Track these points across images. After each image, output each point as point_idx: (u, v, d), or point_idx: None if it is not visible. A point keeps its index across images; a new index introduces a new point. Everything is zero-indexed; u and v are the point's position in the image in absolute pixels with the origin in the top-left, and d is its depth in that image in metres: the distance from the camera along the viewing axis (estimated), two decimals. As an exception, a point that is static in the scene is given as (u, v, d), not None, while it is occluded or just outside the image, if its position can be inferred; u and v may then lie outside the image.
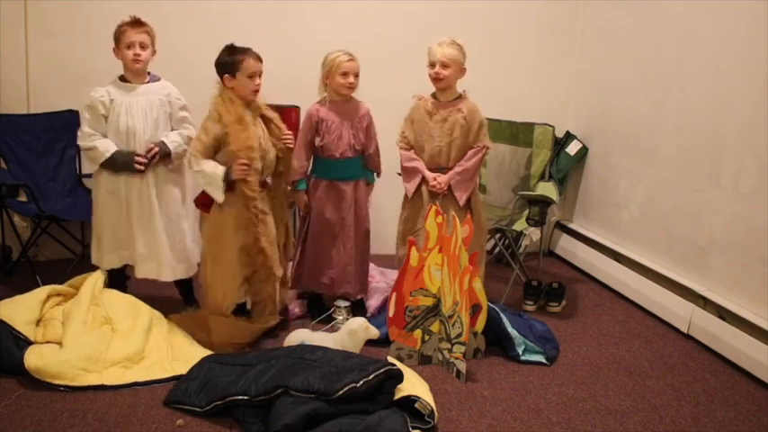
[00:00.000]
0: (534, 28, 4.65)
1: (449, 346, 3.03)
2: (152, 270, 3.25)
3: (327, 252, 3.40)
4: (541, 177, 4.34)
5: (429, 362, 3.10)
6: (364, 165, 3.46)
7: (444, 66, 3.26)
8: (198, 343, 3.07)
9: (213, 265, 3.08)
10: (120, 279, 3.36)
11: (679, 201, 3.75)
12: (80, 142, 3.18)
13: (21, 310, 2.96)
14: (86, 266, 3.35)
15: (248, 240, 3.02)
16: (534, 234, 4.01)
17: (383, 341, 3.11)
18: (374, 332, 2.96)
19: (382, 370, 2.50)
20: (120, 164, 3.13)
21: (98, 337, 2.89)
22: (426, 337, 3.10)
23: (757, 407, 2.84)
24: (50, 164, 3.99)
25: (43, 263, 4.05)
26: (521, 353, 3.14)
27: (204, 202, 3.17)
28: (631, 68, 4.19)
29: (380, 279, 3.87)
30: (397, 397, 2.53)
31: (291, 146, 3.22)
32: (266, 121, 3.14)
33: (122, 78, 3.20)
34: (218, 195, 2.99)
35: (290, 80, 3.82)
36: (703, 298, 3.44)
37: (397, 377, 2.56)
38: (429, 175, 3.35)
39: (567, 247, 4.70)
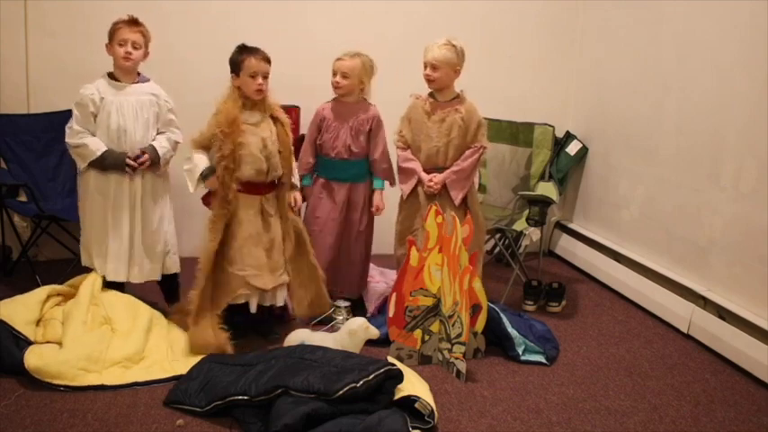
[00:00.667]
0: (534, 28, 4.65)
1: (449, 346, 3.03)
2: (122, 272, 3.20)
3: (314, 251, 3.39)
4: (541, 177, 4.34)
5: (429, 362, 3.10)
6: (371, 170, 3.45)
7: (434, 68, 3.26)
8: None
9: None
10: (116, 284, 3.33)
11: (679, 201, 3.75)
12: (68, 140, 3.15)
13: (21, 310, 2.96)
14: (86, 267, 3.34)
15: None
16: (534, 234, 4.01)
17: (383, 341, 3.11)
18: (374, 332, 2.96)
19: (382, 370, 2.50)
20: (109, 163, 3.11)
21: (98, 337, 2.89)
22: (426, 337, 3.10)
23: (757, 407, 2.84)
24: (50, 164, 3.98)
25: (43, 263, 4.05)
26: (521, 353, 3.14)
27: (209, 200, 3.18)
28: (631, 68, 4.19)
29: (380, 279, 3.86)
30: (397, 397, 2.53)
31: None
32: (276, 122, 3.13)
33: (111, 76, 3.19)
34: (191, 186, 3.04)
35: (290, 80, 3.81)
36: (703, 298, 3.44)
37: (397, 377, 2.56)
38: (424, 176, 3.35)
39: (567, 247, 4.70)
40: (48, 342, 2.89)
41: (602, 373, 3.08)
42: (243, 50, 3.04)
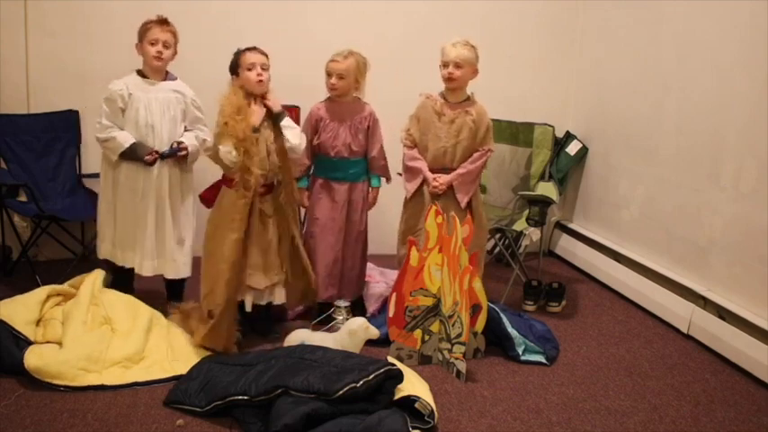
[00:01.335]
0: (534, 28, 4.65)
1: (449, 346, 3.03)
2: (158, 267, 3.26)
3: (315, 253, 3.40)
4: (541, 177, 4.34)
5: (429, 362, 3.10)
6: (368, 168, 3.46)
7: (458, 66, 3.26)
8: (197, 343, 3.07)
9: (206, 261, 3.08)
10: (127, 278, 3.37)
11: (679, 201, 3.75)
12: (97, 134, 3.20)
13: (21, 310, 2.95)
14: (86, 266, 3.35)
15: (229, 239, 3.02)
16: (534, 234, 4.01)
17: (383, 341, 3.11)
18: (374, 332, 2.96)
19: (382, 370, 2.50)
20: (139, 155, 3.15)
21: (98, 337, 2.89)
22: (426, 337, 3.10)
23: (757, 407, 2.84)
24: (50, 164, 3.98)
25: (43, 263, 4.05)
26: (521, 353, 3.14)
27: (208, 197, 3.18)
28: (631, 68, 4.19)
29: (380, 279, 3.86)
30: (397, 397, 2.53)
31: None
32: (275, 126, 3.13)
33: (140, 73, 3.23)
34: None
35: (290, 80, 3.81)
36: (703, 298, 3.44)
37: (397, 377, 2.56)
38: (430, 176, 3.35)
39: (567, 247, 4.70)
40: (48, 342, 2.89)
41: (602, 373, 3.08)
42: (239, 51, 3.07)
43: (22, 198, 3.83)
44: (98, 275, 3.16)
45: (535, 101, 4.65)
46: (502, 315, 3.19)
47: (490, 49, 4.37)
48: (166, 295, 3.42)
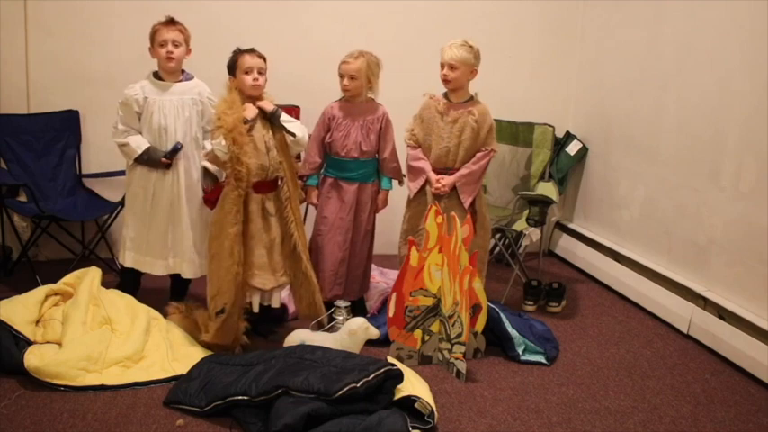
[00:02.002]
0: (534, 28, 4.65)
1: (449, 346, 3.03)
2: (173, 266, 3.28)
3: (322, 251, 3.40)
4: (541, 177, 4.34)
5: (429, 362, 3.10)
6: (379, 169, 3.46)
7: (452, 68, 3.25)
8: (198, 343, 3.06)
9: (211, 261, 3.08)
10: (137, 279, 3.38)
11: (679, 201, 3.75)
12: (114, 139, 3.23)
13: (20, 310, 2.96)
14: (86, 267, 3.33)
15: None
16: (534, 234, 4.01)
17: (383, 341, 3.11)
18: (374, 332, 2.96)
19: (382, 370, 2.50)
20: (154, 160, 3.17)
21: (98, 337, 2.89)
22: (426, 337, 3.10)
23: (757, 407, 2.84)
24: (50, 164, 3.99)
25: (43, 263, 4.05)
26: (521, 353, 3.15)
27: (211, 198, 3.18)
28: (631, 68, 4.19)
29: (380, 279, 3.87)
30: (397, 397, 2.53)
31: None
32: (273, 126, 3.13)
33: (156, 76, 3.23)
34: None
35: (290, 80, 3.83)
36: (703, 298, 3.44)
37: (397, 377, 2.56)
38: (433, 176, 3.35)
39: (567, 247, 4.70)
40: (47, 342, 2.90)
41: (602, 373, 3.08)
42: (237, 52, 3.07)
43: (22, 198, 3.83)
44: (96, 275, 3.16)
45: (535, 101, 4.65)
46: (502, 315, 3.19)
47: (490, 50, 4.38)
48: (170, 294, 3.43)
